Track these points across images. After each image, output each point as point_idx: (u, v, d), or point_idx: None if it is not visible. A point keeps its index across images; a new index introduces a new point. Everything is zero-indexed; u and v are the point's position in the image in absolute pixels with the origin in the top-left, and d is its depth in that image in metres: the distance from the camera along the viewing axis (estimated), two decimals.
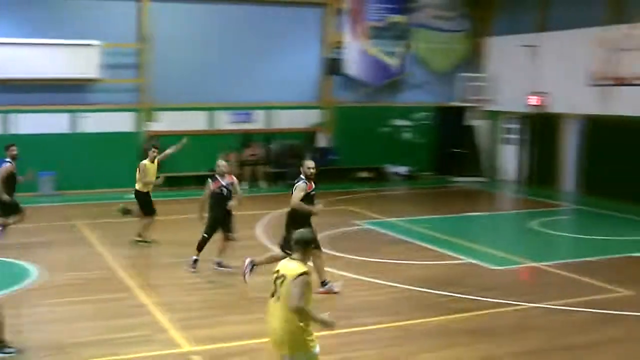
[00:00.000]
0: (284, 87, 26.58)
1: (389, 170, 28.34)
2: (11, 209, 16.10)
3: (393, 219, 19.85)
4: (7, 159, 16.18)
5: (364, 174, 27.73)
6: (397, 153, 28.63)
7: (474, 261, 15.28)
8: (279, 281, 7.25)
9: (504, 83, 27.84)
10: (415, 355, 9.95)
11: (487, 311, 11.93)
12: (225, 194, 14.32)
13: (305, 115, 27.29)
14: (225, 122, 26.13)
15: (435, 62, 29.13)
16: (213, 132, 25.76)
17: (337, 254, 15.63)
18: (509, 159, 28.32)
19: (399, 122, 28.83)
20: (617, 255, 15.87)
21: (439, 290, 13.02)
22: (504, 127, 28.72)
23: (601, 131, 24.08)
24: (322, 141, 27.27)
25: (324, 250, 15.66)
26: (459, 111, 28.75)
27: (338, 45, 27.46)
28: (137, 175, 16.68)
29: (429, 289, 13.12)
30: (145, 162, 16.62)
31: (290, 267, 7.25)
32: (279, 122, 26.86)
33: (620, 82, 19.90)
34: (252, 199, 23.83)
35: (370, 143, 28.01)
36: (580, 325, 11.37)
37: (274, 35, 26.54)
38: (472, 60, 29.72)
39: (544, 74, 26.47)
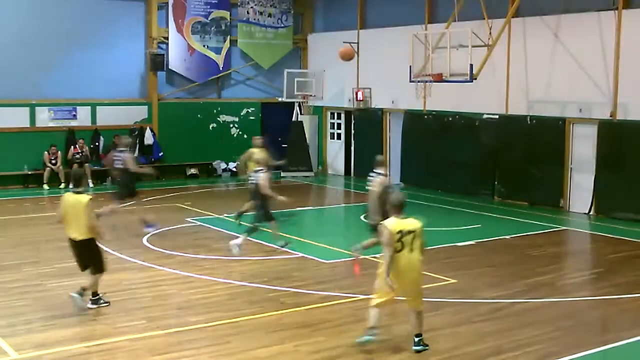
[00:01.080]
0: (109, 82, 26.00)
1: (218, 166, 28.31)
2: None
3: (224, 215, 19.85)
4: None
5: (193, 170, 27.56)
6: (226, 149, 28.63)
7: (305, 255, 15.51)
8: (409, 236, 9.59)
9: (328, 79, 28.38)
10: (250, 352, 9.98)
11: (320, 305, 12.14)
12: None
13: (132, 112, 26.75)
14: (47, 119, 25.20)
15: (260, 57, 29.31)
16: (35, 129, 24.80)
17: (168, 251, 15.49)
18: (336, 153, 28.94)
19: (227, 118, 28.83)
20: (441, 245, 16.51)
21: (272, 285, 13.14)
22: (330, 122, 29.34)
23: (420, 125, 25.05)
24: (149, 138, 26.81)
25: (156, 248, 15.56)
26: (286, 107, 29.04)
27: (162, 41, 27.14)
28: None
29: (262, 284, 13.21)
30: (252, 149, 18.39)
31: (413, 223, 9.74)
32: (106, 119, 26.20)
33: (436, 79, 20.67)
34: None
35: (198, 139, 27.87)
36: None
37: (98, 29, 25.95)
38: (297, 56, 30.18)
39: (366, 70, 27.25)
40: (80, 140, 25.24)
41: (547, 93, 21.62)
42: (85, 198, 11.26)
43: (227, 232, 17.84)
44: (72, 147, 25.04)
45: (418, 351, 9.89)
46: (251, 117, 29.42)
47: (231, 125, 29.00)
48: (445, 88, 22.03)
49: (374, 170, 14.23)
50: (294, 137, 28.33)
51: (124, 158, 17.36)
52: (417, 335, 9.97)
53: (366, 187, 14.53)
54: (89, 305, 11.64)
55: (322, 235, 17.94)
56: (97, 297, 11.76)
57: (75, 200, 11.30)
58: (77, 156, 24.92)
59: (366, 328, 10.01)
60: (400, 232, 9.59)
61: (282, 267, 14.63)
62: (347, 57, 21.41)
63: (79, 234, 11.29)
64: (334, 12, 29.48)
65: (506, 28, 21.44)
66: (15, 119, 24.43)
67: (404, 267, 9.62)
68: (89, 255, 11.47)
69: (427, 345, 9.96)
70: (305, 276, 14.03)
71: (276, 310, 11.76)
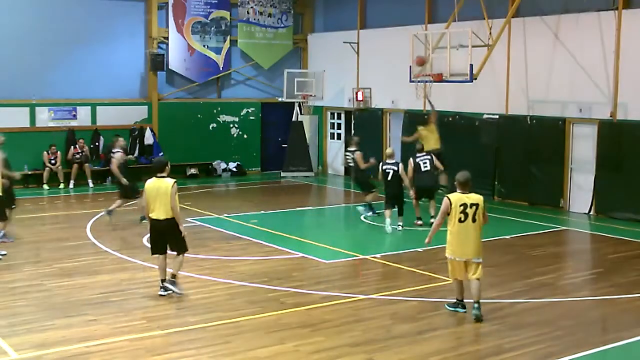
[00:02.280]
0: (109, 82, 25.97)
1: (218, 166, 28.31)
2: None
3: (223, 216, 19.86)
4: None
5: (193, 170, 27.56)
6: (226, 149, 28.63)
7: (305, 255, 15.50)
8: (473, 208, 11.17)
9: (328, 79, 28.38)
10: (250, 352, 9.97)
11: (319, 305, 12.12)
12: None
13: (132, 112, 26.70)
14: (47, 119, 25.15)
15: (260, 57, 29.29)
16: (35, 129, 24.78)
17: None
18: (336, 153, 28.93)
19: (227, 118, 28.81)
20: (441, 245, 16.30)
21: (271, 285, 13.13)
22: (330, 122, 29.34)
23: (420, 125, 24.98)
24: (149, 138, 26.77)
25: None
26: (286, 107, 29.03)
27: (162, 41, 27.13)
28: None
29: (262, 284, 13.20)
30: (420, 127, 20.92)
31: (476, 197, 11.28)
32: (106, 119, 26.16)
33: (436, 79, 20.62)
34: (80, 197, 23.27)
35: (198, 139, 27.86)
36: (410, 314, 11.73)
37: (98, 29, 25.90)
38: (297, 56, 30.18)
39: (366, 70, 27.23)
40: (81, 140, 25.22)
41: (547, 93, 21.61)
42: (171, 181, 12.21)
43: (227, 232, 17.86)
44: (72, 147, 25.01)
45: (477, 315, 11.17)
46: (251, 117, 29.40)
47: (231, 125, 28.98)
48: (445, 88, 22.02)
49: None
50: (294, 137, 28.32)
51: (354, 156, 19.63)
52: (476, 302, 11.26)
53: None
54: (166, 285, 12.45)
55: (322, 235, 17.93)
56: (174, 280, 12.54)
57: (160, 183, 12.21)
58: (77, 156, 24.90)
59: (455, 299, 11.68)
60: (463, 204, 11.17)
61: (282, 267, 14.62)
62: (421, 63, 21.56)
63: (165, 214, 12.15)
64: (334, 12, 29.49)
65: (506, 28, 21.43)
66: (15, 119, 24.36)
67: (466, 235, 11.21)
68: (172, 235, 12.33)
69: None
70: (305, 276, 14.02)
71: (276, 310, 11.75)
